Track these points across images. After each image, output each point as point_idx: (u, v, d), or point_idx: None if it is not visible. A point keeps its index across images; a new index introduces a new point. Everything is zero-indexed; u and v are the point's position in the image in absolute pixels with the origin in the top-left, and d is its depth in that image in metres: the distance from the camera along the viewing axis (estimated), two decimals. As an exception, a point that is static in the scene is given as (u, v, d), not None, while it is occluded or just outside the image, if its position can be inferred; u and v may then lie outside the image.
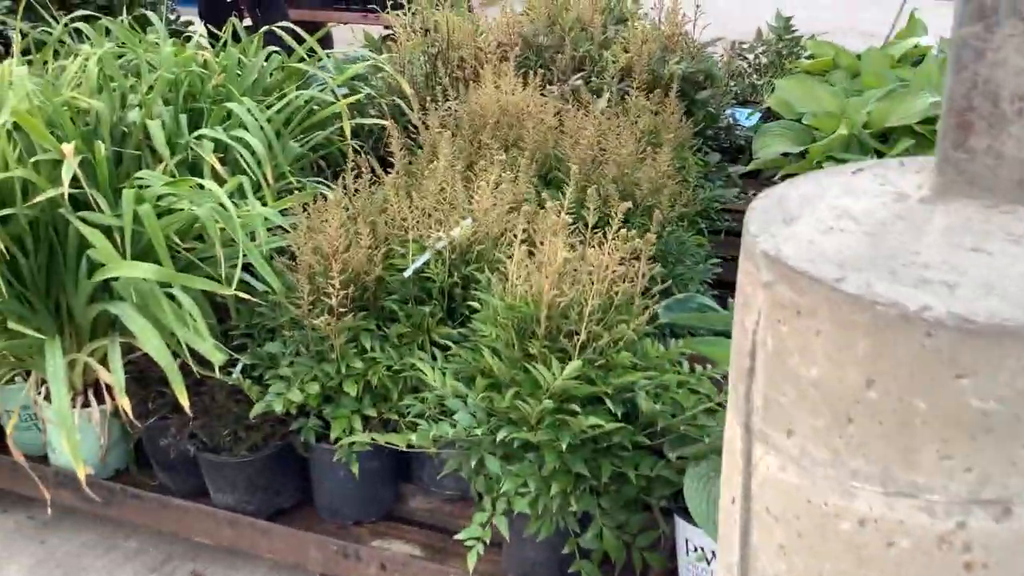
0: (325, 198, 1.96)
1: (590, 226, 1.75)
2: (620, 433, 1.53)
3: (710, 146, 3.35)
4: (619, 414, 1.53)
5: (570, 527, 1.64)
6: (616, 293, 1.60)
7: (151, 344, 1.69)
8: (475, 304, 1.75)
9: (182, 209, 1.84)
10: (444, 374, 1.67)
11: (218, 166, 2.02)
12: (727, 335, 2.06)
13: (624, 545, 1.65)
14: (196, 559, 2.21)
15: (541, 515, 1.60)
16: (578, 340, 1.56)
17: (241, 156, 2.08)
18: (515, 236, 1.68)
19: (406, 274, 1.86)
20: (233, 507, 2.00)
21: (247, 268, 1.97)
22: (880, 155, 3.01)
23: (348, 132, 2.66)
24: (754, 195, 3.03)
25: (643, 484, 1.61)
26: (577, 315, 1.56)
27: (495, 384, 1.64)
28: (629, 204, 1.59)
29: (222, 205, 1.80)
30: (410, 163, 2.34)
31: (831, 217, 0.97)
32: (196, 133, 2.09)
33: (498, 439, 1.55)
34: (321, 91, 2.79)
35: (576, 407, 1.52)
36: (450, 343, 1.82)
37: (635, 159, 2.23)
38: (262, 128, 2.27)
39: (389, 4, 3.56)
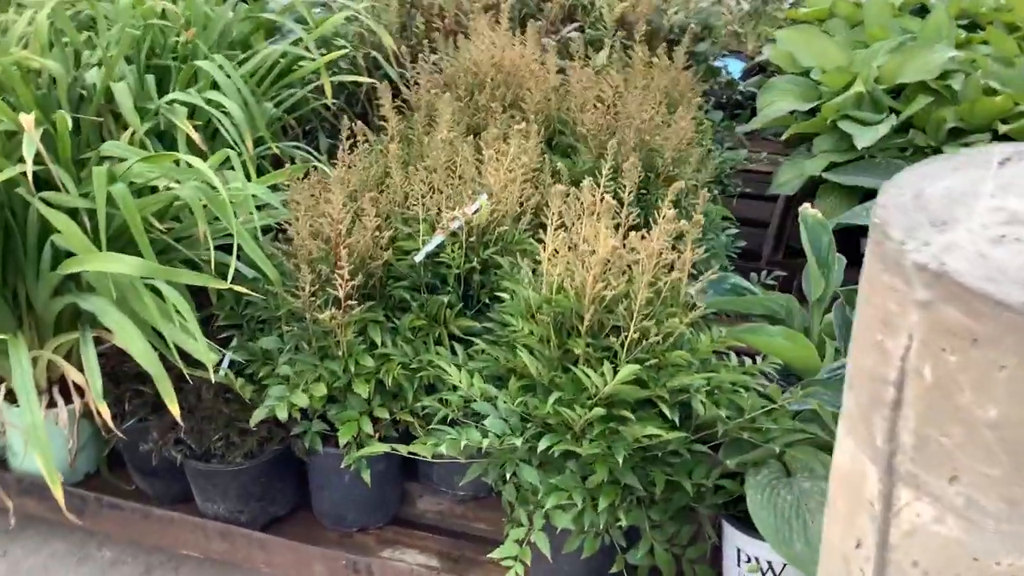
0: (318, 170, 1.78)
1: (625, 204, 1.62)
2: (678, 441, 1.41)
3: (710, 103, 3.22)
4: (676, 420, 1.40)
5: (616, 542, 1.52)
6: (665, 283, 1.46)
7: (134, 345, 1.51)
8: (499, 293, 1.61)
9: (159, 187, 1.65)
10: (472, 374, 1.52)
11: (195, 135, 1.83)
12: (768, 319, 1.95)
13: (674, 558, 1.53)
14: (179, 569, 2.06)
15: (586, 530, 1.48)
16: (626, 337, 1.42)
17: (220, 123, 1.89)
18: (546, 217, 1.53)
19: (417, 258, 1.71)
20: (224, 517, 1.85)
21: (231, 251, 1.80)
22: (896, 113, 2.90)
23: (329, 92, 2.47)
24: (766, 156, 2.88)
25: (696, 493, 1.50)
26: (625, 310, 1.42)
27: (530, 386, 1.50)
28: (682, 184, 1.45)
29: (206, 182, 1.61)
30: (407, 127, 2.16)
31: (996, 222, 0.84)
32: (168, 97, 1.89)
33: (539, 449, 1.42)
34: (293, 44, 2.58)
35: (627, 413, 1.39)
36: (471, 337, 1.67)
37: (656, 124, 2.07)
38: (239, 89, 2.07)
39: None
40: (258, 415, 1.61)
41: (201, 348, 1.52)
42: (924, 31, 3.30)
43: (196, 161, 1.55)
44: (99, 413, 1.67)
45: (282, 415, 1.59)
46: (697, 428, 1.50)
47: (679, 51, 2.60)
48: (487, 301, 1.73)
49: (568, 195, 1.59)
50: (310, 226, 1.66)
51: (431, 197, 1.77)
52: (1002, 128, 2.66)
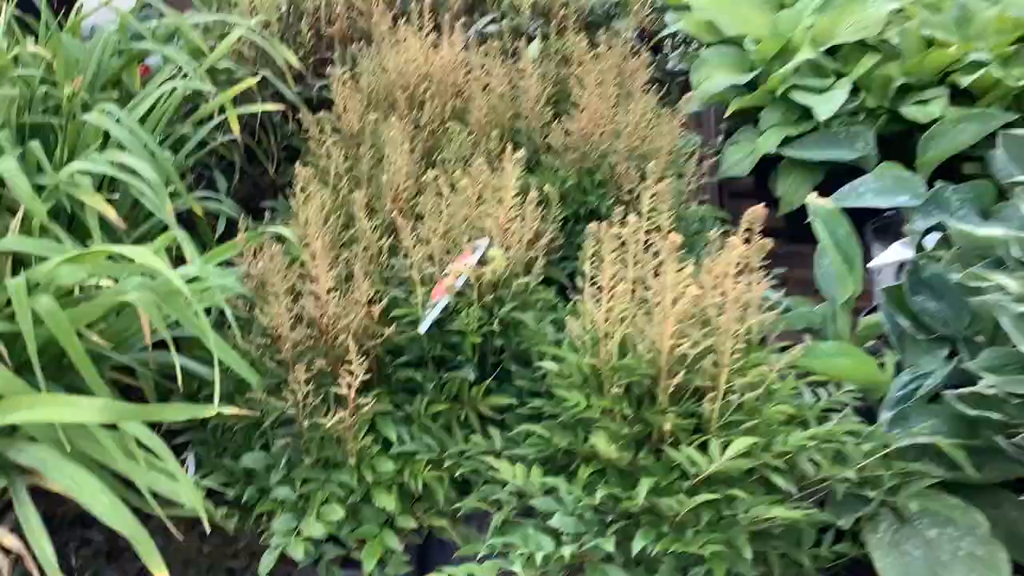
0: (281, 240, 1.50)
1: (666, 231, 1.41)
2: (805, 519, 1.22)
3: (638, 85, 3.04)
4: (793, 490, 1.22)
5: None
6: (746, 328, 1.27)
7: (99, 503, 1.21)
8: (540, 363, 1.38)
9: (89, 287, 1.34)
10: (528, 464, 1.30)
11: (113, 215, 1.52)
12: (808, 333, 1.79)
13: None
14: None
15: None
16: (717, 400, 1.23)
17: (138, 191, 1.58)
18: (588, 262, 1.31)
19: (422, 329, 1.46)
20: (216, 671, 1.56)
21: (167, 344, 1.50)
22: (840, 76, 2.81)
23: (236, 127, 2.16)
24: (723, 140, 2.68)
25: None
26: (714, 366, 1.22)
27: (600, 471, 1.29)
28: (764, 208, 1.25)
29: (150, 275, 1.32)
30: (346, 159, 1.89)
31: None
32: (72, 168, 1.56)
33: (634, 551, 1.20)
34: (174, 78, 2.25)
35: (739, 492, 1.19)
36: (499, 416, 1.44)
37: (643, 126, 1.88)
38: (144, 143, 1.75)
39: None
40: (268, 562, 1.32)
41: (186, 490, 1.23)
42: (843, -16, 3.22)
43: (140, 253, 1.25)
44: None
45: (298, 555, 1.32)
46: (800, 489, 1.32)
47: (626, 36, 2.41)
48: (511, 368, 1.50)
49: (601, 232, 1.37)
50: (289, 310, 1.39)
51: (418, 250, 1.52)
52: (963, 82, 2.58)
